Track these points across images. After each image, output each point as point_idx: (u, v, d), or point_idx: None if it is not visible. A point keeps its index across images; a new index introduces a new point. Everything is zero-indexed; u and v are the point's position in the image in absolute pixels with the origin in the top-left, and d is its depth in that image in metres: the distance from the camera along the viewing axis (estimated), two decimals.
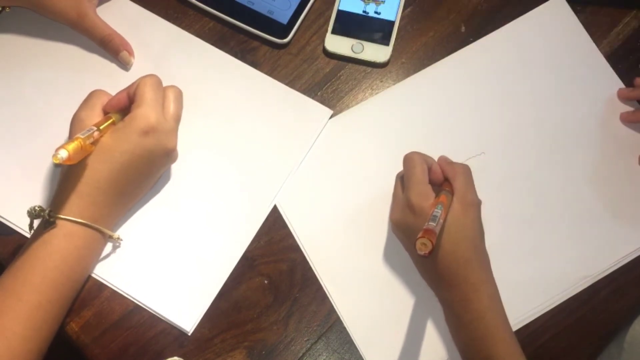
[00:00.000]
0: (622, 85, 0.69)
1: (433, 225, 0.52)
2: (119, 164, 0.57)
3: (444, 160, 0.63)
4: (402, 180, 0.62)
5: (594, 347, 0.63)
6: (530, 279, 0.61)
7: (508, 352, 0.55)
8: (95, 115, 0.59)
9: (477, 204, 0.59)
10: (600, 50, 0.70)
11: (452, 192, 0.59)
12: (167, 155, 0.61)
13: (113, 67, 0.68)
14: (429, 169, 0.60)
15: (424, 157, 0.61)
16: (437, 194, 0.58)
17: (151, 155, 0.59)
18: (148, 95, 0.59)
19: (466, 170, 0.60)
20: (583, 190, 0.66)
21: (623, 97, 0.68)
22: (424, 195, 0.58)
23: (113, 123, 0.59)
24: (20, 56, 0.68)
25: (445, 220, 0.56)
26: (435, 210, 0.54)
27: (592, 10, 0.72)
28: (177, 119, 0.62)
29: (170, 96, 0.61)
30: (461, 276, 0.57)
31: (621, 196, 0.66)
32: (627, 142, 0.68)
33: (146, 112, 0.58)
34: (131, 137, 0.57)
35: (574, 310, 0.64)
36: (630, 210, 0.66)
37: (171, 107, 0.61)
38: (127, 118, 0.58)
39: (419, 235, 0.50)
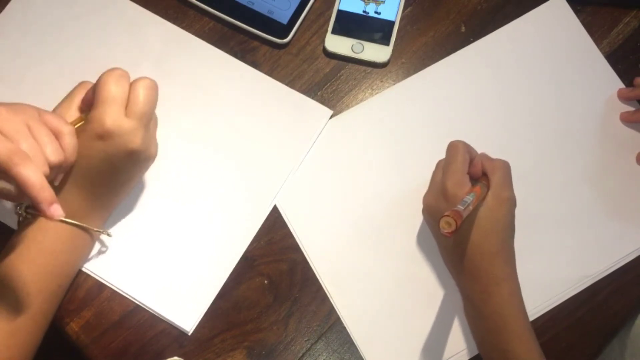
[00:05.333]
0: (621, 85, 0.69)
1: (461, 209, 0.51)
2: (84, 169, 0.56)
3: (484, 155, 0.62)
4: (442, 167, 0.61)
5: (594, 347, 0.63)
6: (530, 279, 0.61)
7: (525, 348, 0.55)
8: (71, 113, 0.57)
9: (512, 200, 0.59)
10: (600, 50, 0.70)
11: (488, 186, 0.59)
12: (132, 156, 0.56)
13: (114, 66, 0.68)
14: (470, 161, 0.60)
15: (468, 148, 0.61)
16: (473, 185, 0.58)
17: (113, 159, 0.55)
18: (106, 93, 0.54)
19: (505, 166, 0.60)
20: (583, 190, 0.66)
21: (623, 97, 0.68)
22: (460, 184, 0.58)
23: (84, 124, 0.56)
24: (21, 55, 0.68)
25: (475, 209, 0.56)
26: (467, 197, 0.55)
27: (592, 10, 0.72)
28: (143, 116, 0.55)
29: (138, 90, 0.55)
30: (485, 269, 0.57)
31: (621, 196, 0.66)
32: (627, 142, 0.68)
33: (100, 115, 0.54)
34: (87, 143, 0.54)
35: (574, 310, 0.64)
36: (630, 210, 0.66)
37: (136, 104, 0.55)
38: (86, 120, 0.55)
39: (445, 214, 0.50)
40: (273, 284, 0.64)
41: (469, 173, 0.60)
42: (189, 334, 0.62)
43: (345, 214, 0.66)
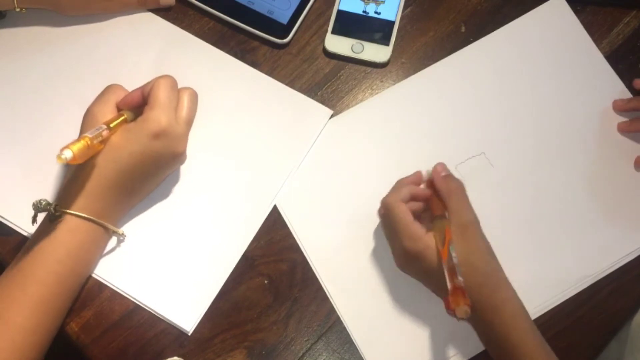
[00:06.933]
0: (621, 85, 0.69)
1: (461, 281, 0.51)
2: (126, 164, 0.58)
3: (438, 173, 0.61)
4: (390, 229, 0.60)
5: (594, 346, 0.63)
6: (530, 279, 0.61)
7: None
8: (108, 111, 0.59)
9: (475, 221, 0.58)
10: (600, 50, 0.70)
11: (444, 214, 0.58)
12: (175, 159, 0.61)
13: (113, 66, 0.68)
14: (410, 195, 0.59)
15: (399, 192, 0.60)
16: (432, 222, 0.58)
17: (159, 158, 0.59)
18: (162, 97, 0.58)
19: (459, 187, 0.59)
20: (583, 190, 0.66)
21: (618, 109, 0.68)
22: (415, 237, 0.57)
23: (125, 121, 0.59)
24: (20, 55, 0.68)
25: (450, 248, 0.55)
26: (451, 257, 0.53)
27: (592, 10, 0.72)
28: (189, 123, 0.61)
29: (185, 99, 0.61)
30: (478, 302, 0.55)
31: (621, 196, 0.66)
32: (627, 142, 0.68)
33: (158, 116, 0.57)
34: (141, 139, 0.57)
35: (574, 310, 0.64)
36: (630, 210, 0.66)
37: (184, 110, 0.60)
38: (139, 119, 0.58)
39: (453, 303, 0.50)
40: (273, 284, 0.64)
41: (416, 198, 0.59)
42: (189, 334, 0.62)
43: (345, 214, 0.66)
